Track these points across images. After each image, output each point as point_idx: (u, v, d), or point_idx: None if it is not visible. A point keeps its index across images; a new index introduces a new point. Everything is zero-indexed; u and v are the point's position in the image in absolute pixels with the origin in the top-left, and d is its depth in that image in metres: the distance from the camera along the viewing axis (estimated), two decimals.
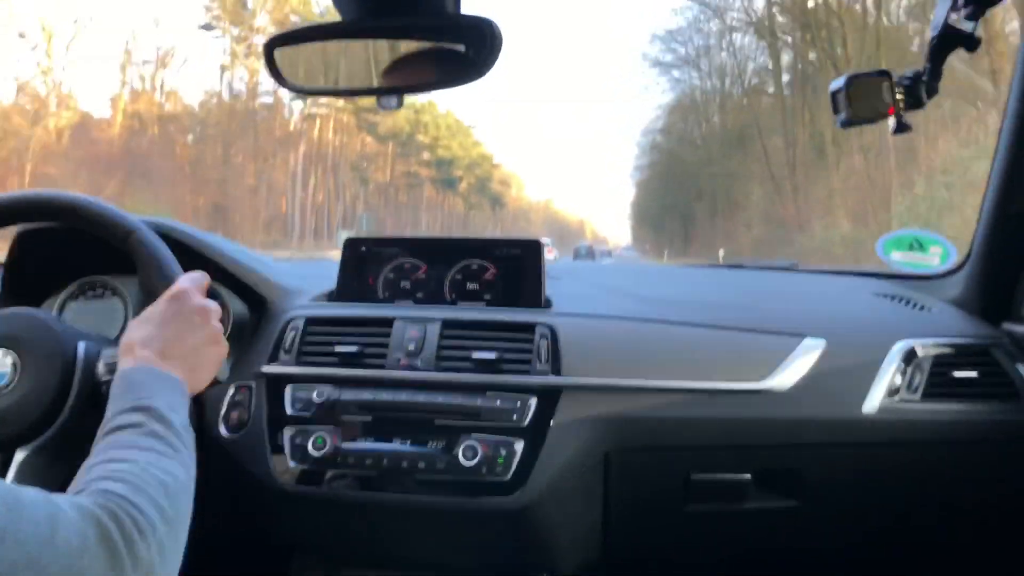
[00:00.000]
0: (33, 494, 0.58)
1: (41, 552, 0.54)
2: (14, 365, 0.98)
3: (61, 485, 0.93)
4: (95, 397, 0.99)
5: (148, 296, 1.00)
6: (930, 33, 1.05)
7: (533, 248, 1.52)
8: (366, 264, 1.55)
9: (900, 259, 2.02)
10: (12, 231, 1.39)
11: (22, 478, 0.94)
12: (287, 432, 1.29)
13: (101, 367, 1.00)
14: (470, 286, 1.52)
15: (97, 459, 0.70)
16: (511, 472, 1.23)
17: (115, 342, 1.12)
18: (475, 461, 1.23)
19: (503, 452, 1.23)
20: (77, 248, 1.38)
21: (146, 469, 0.68)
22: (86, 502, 0.61)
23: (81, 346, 1.01)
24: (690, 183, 46.94)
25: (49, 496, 0.59)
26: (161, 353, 0.85)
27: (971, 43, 1.02)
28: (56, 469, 0.97)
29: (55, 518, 0.57)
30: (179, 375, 0.85)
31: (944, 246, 1.91)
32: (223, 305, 1.43)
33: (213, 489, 0.85)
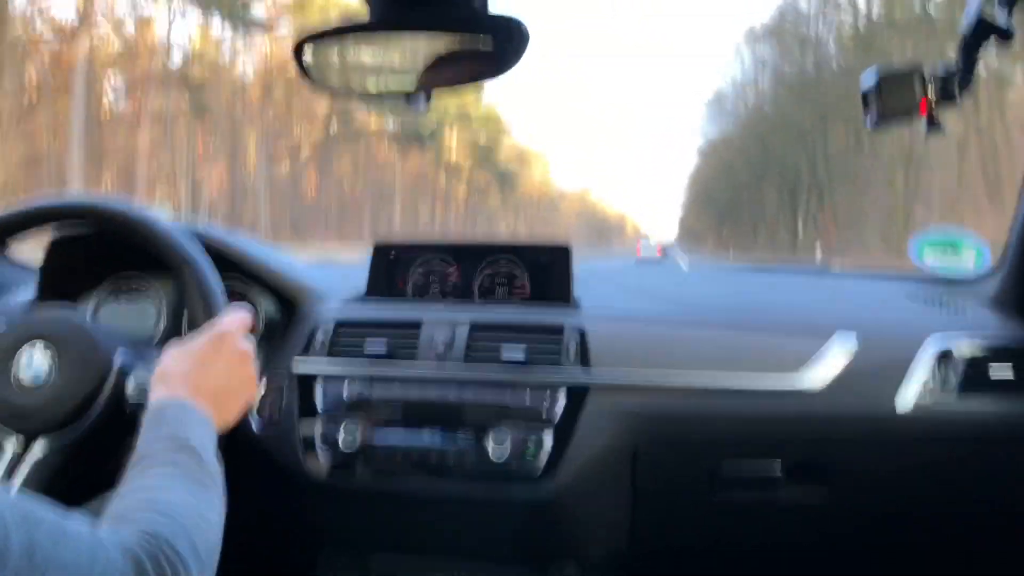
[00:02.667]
0: (77, 526, 0.59)
1: None
2: (51, 363, 1.00)
3: (70, 486, 0.96)
4: (120, 411, 1.01)
5: (190, 325, 1.02)
6: (963, 24, 1.03)
7: (562, 251, 1.52)
8: (395, 266, 1.57)
9: (934, 262, 1.98)
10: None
11: (36, 472, 0.96)
12: (318, 426, 1.31)
13: (131, 385, 1.02)
14: (499, 288, 1.53)
15: (134, 492, 0.71)
16: (540, 464, 1.24)
17: (149, 346, 1.14)
18: (504, 453, 1.24)
19: (532, 444, 1.24)
20: (110, 247, 1.41)
21: (182, 509, 0.69)
22: (127, 540, 0.62)
23: (117, 357, 1.02)
24: (794, 143, 34.90)
25: (93, 530, 0.60)
26: (196, 389, 0.86)
27: (1006, 35, 1.00)
28: (70, 471, 0.99)
29: (96, 553, 0.58)
30: (210, 413, 0.85)
31: (978, 248, 1.87)
32: (254, 310, 1.45)
33: (245, 482, 0.87)
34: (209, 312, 1.03)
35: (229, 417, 0.91)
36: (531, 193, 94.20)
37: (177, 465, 0.74)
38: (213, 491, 0.76)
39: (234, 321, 0.96)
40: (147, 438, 0.78)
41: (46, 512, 0.57)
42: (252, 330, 0.99)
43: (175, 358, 0.90)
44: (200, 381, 0.87)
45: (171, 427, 0.79)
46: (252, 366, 0.95)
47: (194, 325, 1.02)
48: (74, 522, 0.59)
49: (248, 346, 0.95)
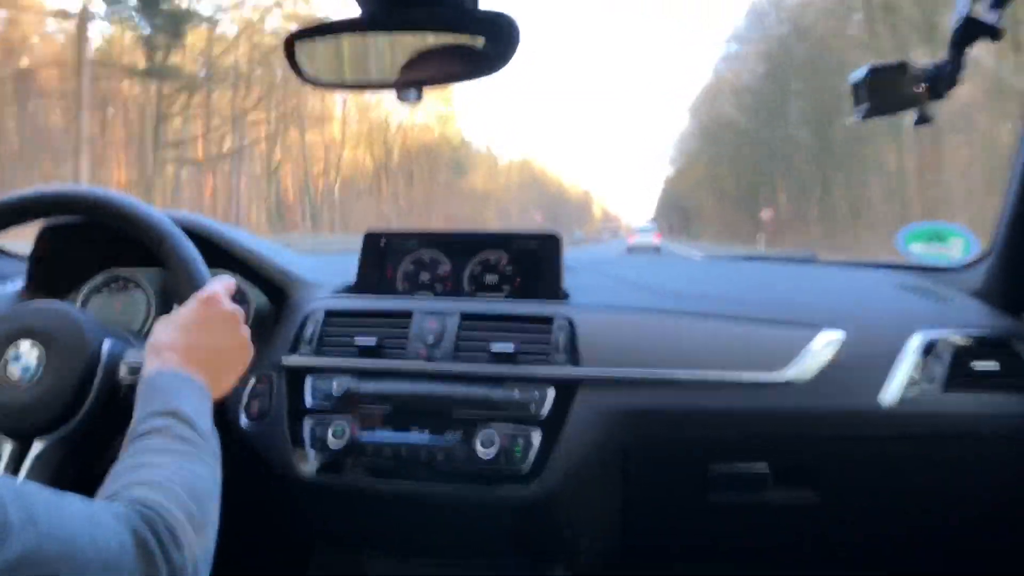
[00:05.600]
0: (73, 498, 0.60)
1: (84, 550, 0.56)
2: (39, 358, 0.99)
3: (75, 480, 0.96)
4: (115, 397, 1.00)
5: (176, 300, 1.02)
6: (952, 23, 1.04)
7: (551, 240, 1.53)
8: (385, 257, 1.57)
9: (921, 251, 2.01)
10: (34, 224, 1.40)
11: (37, 471, 0.96)
12: (307, 423, 1.31)
13: (123, 369, 1.02)
14: (488, 278, 1.53)
15: (128, 463, 0.71)
16: (528, 463, 1.24)
17: (139, 337, 1.14)
18: (493, 452, 1.24)
19: (520, 443, 1.24)
20: (101, 241, 1.40)
21: (177, 475, 0.70)
22: (122, 508, 0.62)
23: (106, 345, 1.02)
24: None
25: (88, 501, 0.61)
26: (188, 357, 0.87)
27: (995, 33, 1.01)
28: (70, 464, 0.99)
29: (95, 523, 0.59)
30: (204, 379, 0.86)
31: (965, 238, 1.89)
32: (244, 298, 1.45)
33: (234, 479, 0.87)
34: (193, 283, 1.03)
35: (224, 382, 0.92)
36: (405, 141, 55.99)
37: (170, 433, 0.75)
38: (208, 456, 0.77)
39: (219, 286, 0.97)
40: (140, 411, 0.79)
41: (40, 488, 0.58)
42: (236, 299, 0.99)
43: (165, 329, 0.90)
44: (191, 348, 0.88)
45: (164, 397, 0.80)
46: (242, 328, 0.95)
47: (180, 300, 1.01)
48: (69, 495, 0.60)
49: (236, 308, 0.95)
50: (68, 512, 0.57)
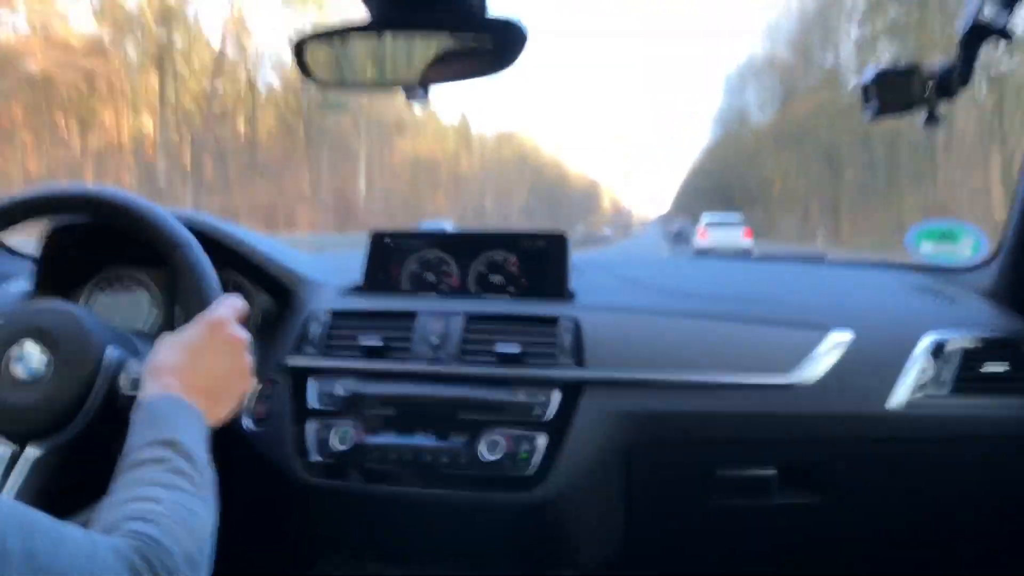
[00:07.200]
0: (73, 531, 0.59)
1: None
2: (43, 360, 0.98)
3: (67, 487, 0.95)
4: (112, 407, 0.99)
5: (182, 309, 1.01)
6: (962, 24, 1.03)
7: (558, 240, 1.52)
8: (391, 257, 1.57)
9: (931, 251, 1.99)
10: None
11: (32, 476, 0.95)
12: (311, 425, 1.31)
13: (124, 380, 1.00)
14: (494, 279, 1.53)
15: (124, 495, 0.71)
16: (533, 467, 1.24)
17: (142, 337, 1.13)
18: (497, 455, 1.24)
19: (525, 447, 1.24)
20: (107, 240, 1.40)
21: (176, 511, 0.69)
22: (120, 544, 0.62)
23: (109, 351, 1.01)
24: None
25: (88, 534, 0.61)
26: (188, 382, 0.85)
27: (1005, 34, 1.01)
28: (65, 471, 0.98)
29: (93, 557, 0.58)
30: (202, 406, 0.85)
31: (976, 237, 1.88)
32: (248, 300, 1.45)
33: (237, 482, 0.86)
34: (202, 298, 1.01)
35: (223, 410, 0.90)
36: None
37: (168, 465, 0.74)
38: (204, 490, 0.76)
39: (227, 309, 0.94)
40: (137, 437, 0.78)
41: (43, 518, 0.58)
42: (245, 321, 0.98)
43: (167, 350, 0.89)
44: (193, 373, 0.86)
45: (162, 425, 0.78)
46: (246, 355, 0.93)
47: (187, 313, 1.00)
48: (71, 528, 0.59)
49: (243, 333, 0.94)
50: (68, 548, 0.57)
